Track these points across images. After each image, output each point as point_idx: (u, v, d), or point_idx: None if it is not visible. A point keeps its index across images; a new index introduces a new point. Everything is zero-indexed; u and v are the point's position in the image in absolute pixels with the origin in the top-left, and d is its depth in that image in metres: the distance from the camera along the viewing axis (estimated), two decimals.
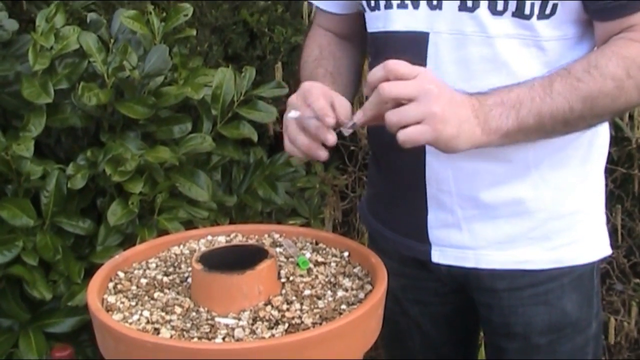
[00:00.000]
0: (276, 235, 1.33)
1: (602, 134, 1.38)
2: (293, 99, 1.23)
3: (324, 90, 1.22)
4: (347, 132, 1.20)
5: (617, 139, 2.47)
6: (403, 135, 1.09)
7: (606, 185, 1.44)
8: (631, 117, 2.46)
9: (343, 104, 1.21)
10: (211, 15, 2.58)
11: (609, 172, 1.61)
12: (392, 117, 1.09)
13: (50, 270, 1.83)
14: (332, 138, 1.17)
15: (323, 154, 1.19)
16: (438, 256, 1.39)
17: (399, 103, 1.10)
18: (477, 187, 1.31)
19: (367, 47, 1.44)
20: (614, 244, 1.47)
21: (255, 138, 2.05)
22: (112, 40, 2.06)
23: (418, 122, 1.08)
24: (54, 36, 1.88)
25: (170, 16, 2.10)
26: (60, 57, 1.92)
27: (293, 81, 2.75)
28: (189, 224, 1.92)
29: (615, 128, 2.39)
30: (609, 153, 1.45)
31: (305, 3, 2.52)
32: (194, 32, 2.12)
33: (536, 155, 1.28)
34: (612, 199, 2.53)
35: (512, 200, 1.32)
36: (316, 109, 1.17)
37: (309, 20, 2.49)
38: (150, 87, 1.99)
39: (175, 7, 2.13)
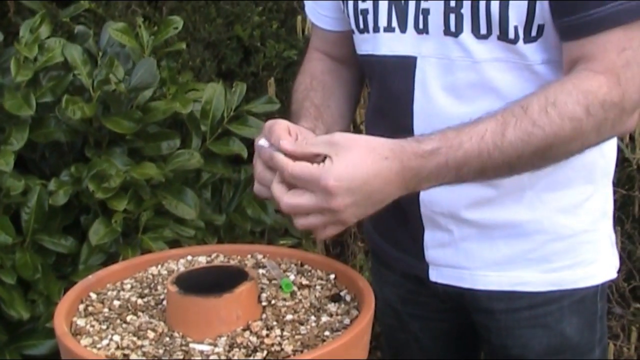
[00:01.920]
0: (259, 256, 1.27)
1: (607, 153, 1.32)
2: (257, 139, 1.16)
3: (286, 124, 1.15)
4: None
5: (617, 161, 2.41)
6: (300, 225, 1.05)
7: None
8: (632, 138, 2.41)
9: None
10: (204, 30, 2.53)
11: None
12: (287, 208, 1.04)
13: (29, 290, 1.76)
14: None
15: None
16: (435, 275, 1.35)
17: None
18: (470, 210, 1.27)
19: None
20: None
21: (245, 155, 1.99)
22: (100, 53, 2.02)
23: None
24: (38, 47, 1.82)
25: (160, 29, 2.05)
26: (44, 70, 1.87)
27: (287, 97, 2.71)
28: (175, 244, 1.86)
29: (617, 149, 2.33)
30: None
31: (300, 18, 2.48)
32: (184, 46, 2.07)
33: (531, 178, 1.22)
34: (613, 220, 2.47)
35: (508, 222, 1.27)
36: (273, 137, 1.10)
37: (304, 35, 2.44)
38: (138, 101, 1.94)
39: (165, 20, 2.09)
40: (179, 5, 2.52)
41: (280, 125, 1.12)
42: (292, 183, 1.04)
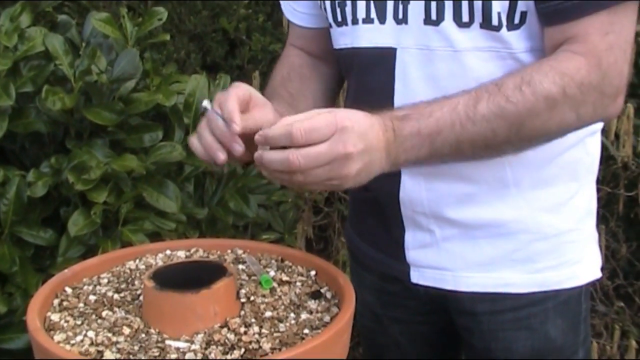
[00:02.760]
0: (239, 252, 1.25)
1: (591, 150, 1.30)
2: (218, 94, 1.14)
3: (245, 93, 1.12)
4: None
5: (603, 158, 2.40)
6: (296, 182, 1.02)
7: None
8: (617, 135, 2.40)
9: (265, 117, 1.12)
10: (189, 22, 2.51)
11: None
12: (300, 177, 1.00)
13: (6, 283, 1.73)
14: (238, 149, 1.08)
15: (221, 156, 1.09)
16: (417, 277, 1.32)
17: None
18: (453, 208, 1.25)
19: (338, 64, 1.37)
20: None
21: None
22: (83, 44, 1.98)
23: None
24: (18, 37, 1.79)
25: (144, 20, 2.02)
26: (25, 59, 1.84)
27: None
28: (156, 236, 1.83)
29: (601, 147, 2.32)
30: None
31: None
32: (168, 37, 2.04)
33: (515, 175, 1.21)
34: (597, 219, 2.46)
35: (492, 221, 1.24)
36: (224, 111, 1.08)
37: (288, 27, 2.42)
38: (120, 92, 1.91)
39: (149, 11, 2.06)
40: None
41: (236, 91, 1.11)
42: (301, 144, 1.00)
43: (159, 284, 1.03)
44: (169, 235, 1.83)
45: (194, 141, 1.12)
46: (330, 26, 1.28)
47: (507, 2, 1.11)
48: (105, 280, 1.16)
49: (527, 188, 1.23)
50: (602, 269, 1.35)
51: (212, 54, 2.54)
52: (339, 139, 0.99)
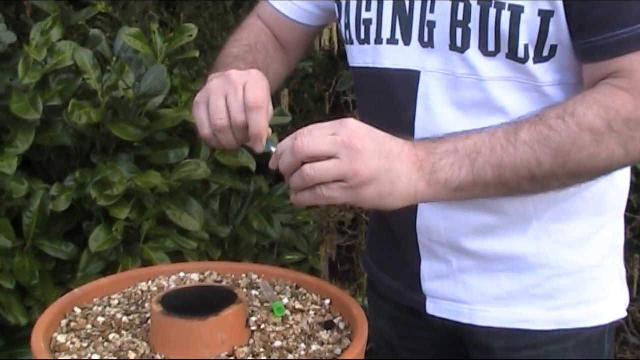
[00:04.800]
0: (254, 276, 1.23)
1: (619, 183, 1.26)
2: (215, 85, 1.11)
3: (264, 95, 1.09)
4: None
5: (637, 186, 2.35)
6: (318, 195, 0.98)
7: (624, 234, 1.32)
8: None
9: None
10: (222, 38, 2.50)
11: (627, 220, 1.48)
12: (310, 171, 0.97)
13: (26, 295, 1.73)
14: (233, 143, 1.11)
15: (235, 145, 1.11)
16: (433, 308, 1.29)
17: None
18: (471, 239, 1.21)
19: (352, 82, 1.34)
20: (630, 297, 1.34)
21: (253, 167, 1.95)
22: (114, 58, 1.99)
23: (338, 180, 0.97)
24: (47, 50, 1.80)
25: (174, 36, 2.02)
26: (54, 73, 1.85)
27: (302, 110, 2.67)
28: (177, 255, 1.83)
29: (635, 174, 2.26)
30: (628, 200, 1.33)
31: None
32: (197, 54, 2.03)
33: (537, 207, 1.17)
34: (630, 248, 2.41)
35: (511, 255, 1.21)
36: (252, 125, 1.07)
37: (321, 47, 2.41)
38: (147, 108, 1.91)
39: (180, 27, 2.06)
40: (196, 12, 2.49)
41: (260, 94, 1.09)
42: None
43: (167, 309, 1.01)
44: (190, 254, 1.82)
45: (208, 133, 1.11)
46: (351, 43, 1.25)
47: (536, 35, 1.08)
48: (116, 302, 1.15)
49: (549, 221, 1.19)
50: (635, 300, 1.30)
51: None
52: (343, 132, 0.97)
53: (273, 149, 1.05)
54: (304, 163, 0.97)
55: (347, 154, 0.96)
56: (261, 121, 1.08)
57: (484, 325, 1.24)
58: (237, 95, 1.08)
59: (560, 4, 1.06)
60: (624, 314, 1.28)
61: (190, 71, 2.26)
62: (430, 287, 1.27)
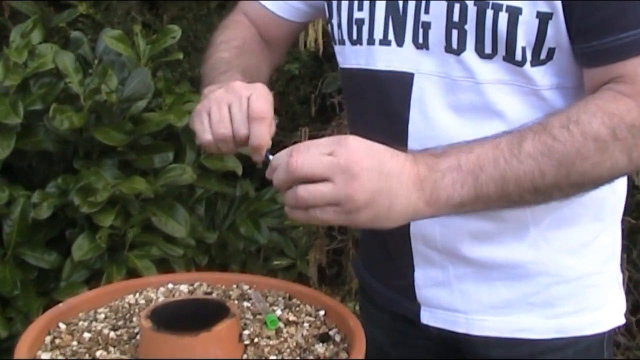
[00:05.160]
0: (245, 287, 1.19)
1: (618, 189, 1.23)
2: (219, 95, 1.09)
3: (268, 108, 1.07)
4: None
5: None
6: (311, 217, 0.94)
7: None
8: None
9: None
10: (206, 40, 2.46)
11: None
12: (304, 193, 0.93)
13: (7, 306, 1.69)
14: (232, 149, 1.09)
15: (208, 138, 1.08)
16: (427, 317, 1.25)
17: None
18: (467, 246, 1.18)
19: (342, 83, 1.30)
20: None
21: (239, 171, 1.92)
22: (96, 61, 1.95)
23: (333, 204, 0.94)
24: (28, 53, 1.75)
25: (158, 38, 1.98)
26: (35, 76, 1.80)
27: (287, 112, 2.64)
28: (163, 263, 1.78)
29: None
30: None
31: (302, 32, 2.41)
32: (181, 56, 2.00)
33: (535, 213, 1.14)
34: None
35: (509, 262, 1.18)
36: (253, 136, 1.05)
37: (306, 49, 2.37)
38: (131, 112, 1.87)
39: (163, 29, 2.02)
40: (180, 13, 2.45)
41: (263, 106, 1.06)
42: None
43: (157, 324, 0.97)
44: (176, 261, 1.78)
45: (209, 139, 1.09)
46: (342, 43, 1.22)
47: (534, 37, 1.05)
48: (102, 316, 1.11)
49: (547, 228, 1.17)
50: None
51: None
52: (341, 152, 0.92)
53: (271, 157, 1.02)
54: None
55: (343, 178, 0.92)
56: (263, 133, 1.05)
57: (481, 334, 1.21)
58: (241, 106, 1.06)
59: (559, 6, 1.03)
60: (623, 321, 1.26)
61: (174, 73, 2.22)
62: (425, 295, 1.24)
